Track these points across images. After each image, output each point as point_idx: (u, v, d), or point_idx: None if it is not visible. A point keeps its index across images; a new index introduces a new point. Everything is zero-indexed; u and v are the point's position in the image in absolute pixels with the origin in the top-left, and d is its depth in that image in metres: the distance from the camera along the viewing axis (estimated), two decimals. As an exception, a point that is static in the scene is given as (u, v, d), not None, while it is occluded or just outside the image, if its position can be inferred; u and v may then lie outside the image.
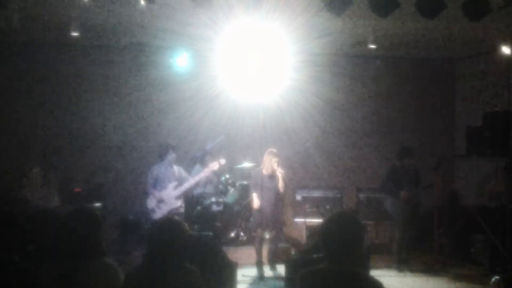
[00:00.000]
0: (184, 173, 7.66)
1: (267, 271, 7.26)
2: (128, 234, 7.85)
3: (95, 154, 8.56)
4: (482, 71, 9.07)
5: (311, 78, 8.79)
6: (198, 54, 8.52)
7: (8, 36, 7.94)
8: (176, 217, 3.34)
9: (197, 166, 7.98)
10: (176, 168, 7.60)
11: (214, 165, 7.51)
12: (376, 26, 7.08)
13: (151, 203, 7.39)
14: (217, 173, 8.31)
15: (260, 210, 7.17)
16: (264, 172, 7.26)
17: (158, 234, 3.18)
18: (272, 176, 7.22)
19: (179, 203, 7.48)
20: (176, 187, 7.43)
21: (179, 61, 8.57)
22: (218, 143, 8.35)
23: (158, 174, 7.45)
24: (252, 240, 7.58)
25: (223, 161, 7.69)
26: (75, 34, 7.00)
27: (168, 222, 3.29)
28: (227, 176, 8.23)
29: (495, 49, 8.17)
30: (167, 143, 7.67)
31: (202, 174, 7.54)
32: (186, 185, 7.47)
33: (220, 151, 8.56)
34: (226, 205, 8.14)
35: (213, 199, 8.04)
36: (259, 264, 7.30)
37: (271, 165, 7.18)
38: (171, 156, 7.48)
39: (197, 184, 7.73)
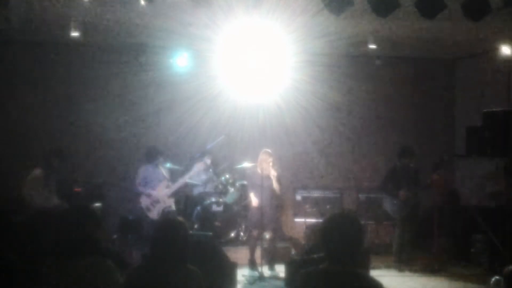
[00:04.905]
0: (167, 174, 7.83)
1: (266, 271, 7.25)
2: (128, 234, 7.85)
3: (95, 154, 8.56)
4: (482, 71, 9.06)
5: (311, 78, 8.79)
6: (198, 54, 8.53)
7: (8, 36, 7.94)
8: (178, 218, 3.34)
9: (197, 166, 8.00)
10: (162, 169, 7.77)
11: (200, 165, 7.65)
12: (376, 26, 7.08)
13: (145, 201, 7.53)
14: (217, 173, 8.32)
15: (257, 209, 7.19)
16: (259, 172, 7.28)
17: (159, 234, 3.18)
18: (268, 176, 7.24)
19: (171, 201, 7.57)
20: (168, 186, 7.50)
21: (179, 61, 8.58)
22: (218, 143, 8.36)
23: (147, 174, 7.65)
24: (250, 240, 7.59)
25: (208, 160, 7.88)
26: (75, 34, 7.00)
27: (170, 222, 3.29)
28: (227, 176, 8.24)
29: (495, 49, 8.17)
30: (156, 147, 7.87)
31: (191, 173, 7.66)
32: (177, 184, 7.58)
33: (220, 151, 8.57)
34: (226, 205, 8.15)
35: (213, 199, 8.06)
36: (251, 262, 7.32)
37: (266, 165, 7.20)
38: (159, 160, 7.75)
39: (188, 183, 7.90)
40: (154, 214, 7.44)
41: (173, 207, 7.70)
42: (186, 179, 7.72)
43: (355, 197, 8.84)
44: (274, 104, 8.77)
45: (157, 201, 7.48)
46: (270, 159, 7.23)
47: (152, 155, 7.71)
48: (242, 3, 6.16)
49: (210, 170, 8.32)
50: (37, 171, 6.79)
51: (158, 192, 7.50)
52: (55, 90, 8.59)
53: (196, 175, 7.99)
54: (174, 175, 7.95)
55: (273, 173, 7.18)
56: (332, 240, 2.88)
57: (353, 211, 8.31)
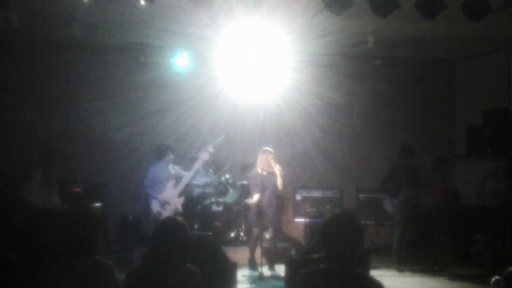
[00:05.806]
0: (177, 170, 7.71)
1: (266, 271, 7.26)
2: (128, 234, 7.85)
3: (95, 154, 8.55)
4: (482, 71, 9.06)
5: (311, 78, 8.79)
6: (198, 54, 8.53)
7: (8, 36, 7.94)
8: (179, 218, 3.34)
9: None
10: (171, 167, 7.67)
11: (204, 155, 7.51)
12: (376, 26, 7.08)
13: (155, 207, 7.38)
14: (218, 175, 8.29)
15: (258, 208, 7.19)
16: (261, 171, 7.27)
17: (159, 234, 3.19)
18: (270, 174, 7.23)
19: (181, 201, 7.52)
20: (175, 185, 7.46)
21: (179, 61, 8.57)
22: (218, 143, 8.36)
23: (156, 174, 7.50)
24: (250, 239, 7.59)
25: (211, 149, 7.64)
26: (75, 34, 7.00)
27: (171, 222, 3.29)
28: (227, 176, 8.24)
29: (495, 49, 8.17)
30: (166, 144, 7.72)
31: (195, 165, 7.54)
32: (184, 181, 7.48)
33: (220, 151, 8.57)
34: (226, 205, 8.15)
35: (213, 199, 8.05)
36: (251, 262, 7.32)
37: (268, 162, 7.20)
38: (169, 157, 7.59)
39: (189, 183, 7.78)
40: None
41: (179, 208, 7.60)
42: (193, 171, 7.53)
43: (355, 197, 8.84)
44: (274, 104, 8.77)
45: (167, 204, 7.37)
46: (271, 156, 7.23)
47: (162, 153, 7.56)
48: (242, 3, 6.16)
49: (210, 170, 8.31)
50: (37, 172, 6.79)
51: (167, 194, 7.40)
52: (55, 90, 8.58)
53: (197, 175, 7.93)
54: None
55: (277, 167, 7.18)
56: (332, 240, 2.88)
57: (353, 211, 8.30)
